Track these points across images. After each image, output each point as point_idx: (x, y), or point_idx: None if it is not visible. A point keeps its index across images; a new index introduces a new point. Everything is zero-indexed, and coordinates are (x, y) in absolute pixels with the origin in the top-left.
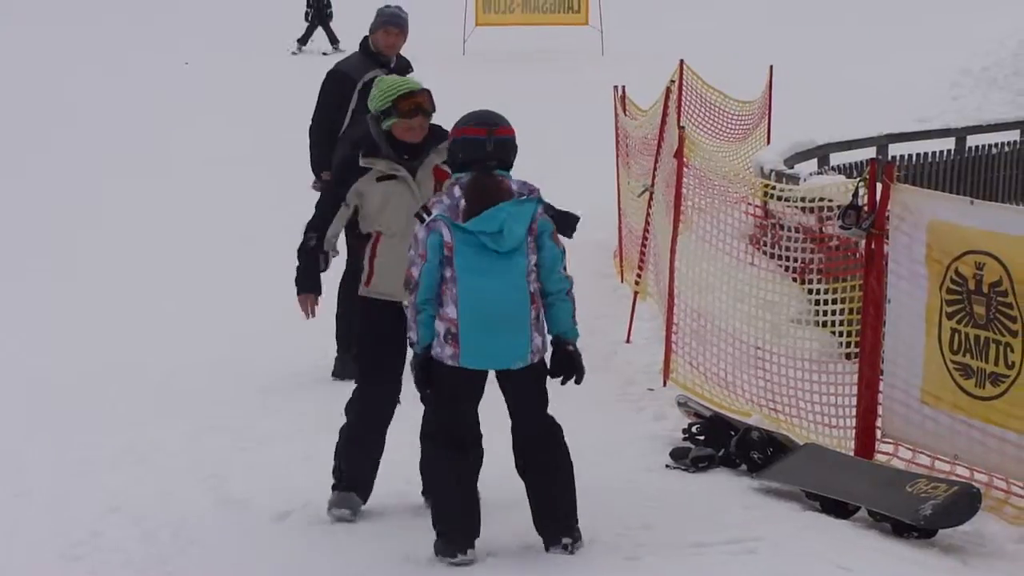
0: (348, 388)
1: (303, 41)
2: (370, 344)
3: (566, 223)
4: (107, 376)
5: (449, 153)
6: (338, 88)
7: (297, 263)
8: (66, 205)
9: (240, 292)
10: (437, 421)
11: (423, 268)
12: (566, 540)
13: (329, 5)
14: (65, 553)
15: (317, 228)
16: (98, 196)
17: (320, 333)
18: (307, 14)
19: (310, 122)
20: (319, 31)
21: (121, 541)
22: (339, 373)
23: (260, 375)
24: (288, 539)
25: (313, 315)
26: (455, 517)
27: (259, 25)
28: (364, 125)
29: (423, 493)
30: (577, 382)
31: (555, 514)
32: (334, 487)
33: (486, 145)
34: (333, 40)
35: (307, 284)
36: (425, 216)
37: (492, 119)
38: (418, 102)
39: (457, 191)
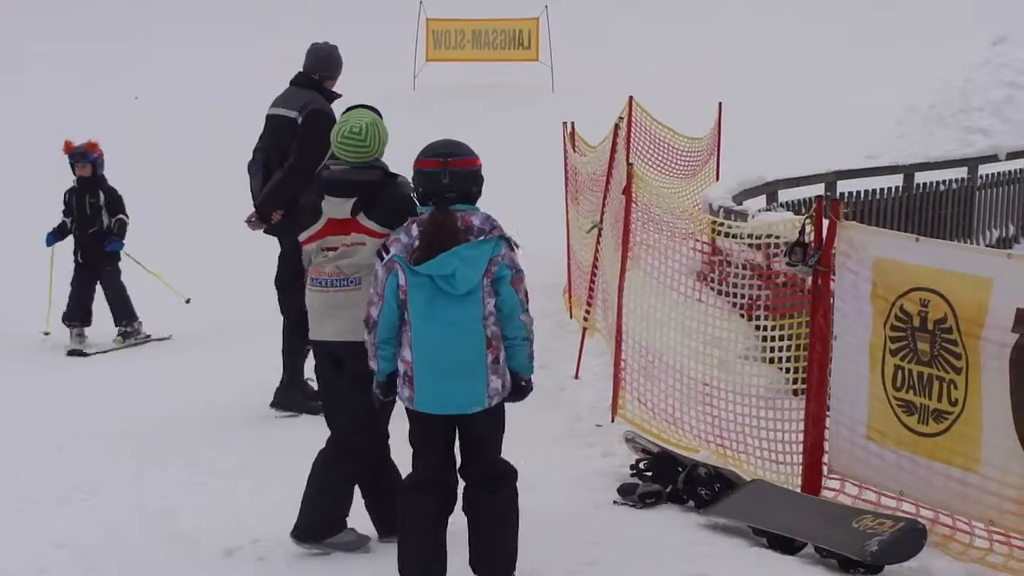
0: (295, 424)
1: None
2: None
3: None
4: (54, 413)
5: (413, 187)
6: (328, 129)
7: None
8: (21, 242)
9: (189, 328)
10: (413, 463)
11: (381, 308)
12: None
13: None
14: None
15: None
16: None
17: (270, 370)
18: None
19: (293, 165)
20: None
21: None
22: (279, 403)
23: (209, 411)
24: (236, 575)
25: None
26: (420, 566)
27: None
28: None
29: (384, 534)
30: None
31: (493, 562)
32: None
33: (441, 177)
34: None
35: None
36: (384, 254)
37: (448, 149)
38: None
39: (415, 229)
